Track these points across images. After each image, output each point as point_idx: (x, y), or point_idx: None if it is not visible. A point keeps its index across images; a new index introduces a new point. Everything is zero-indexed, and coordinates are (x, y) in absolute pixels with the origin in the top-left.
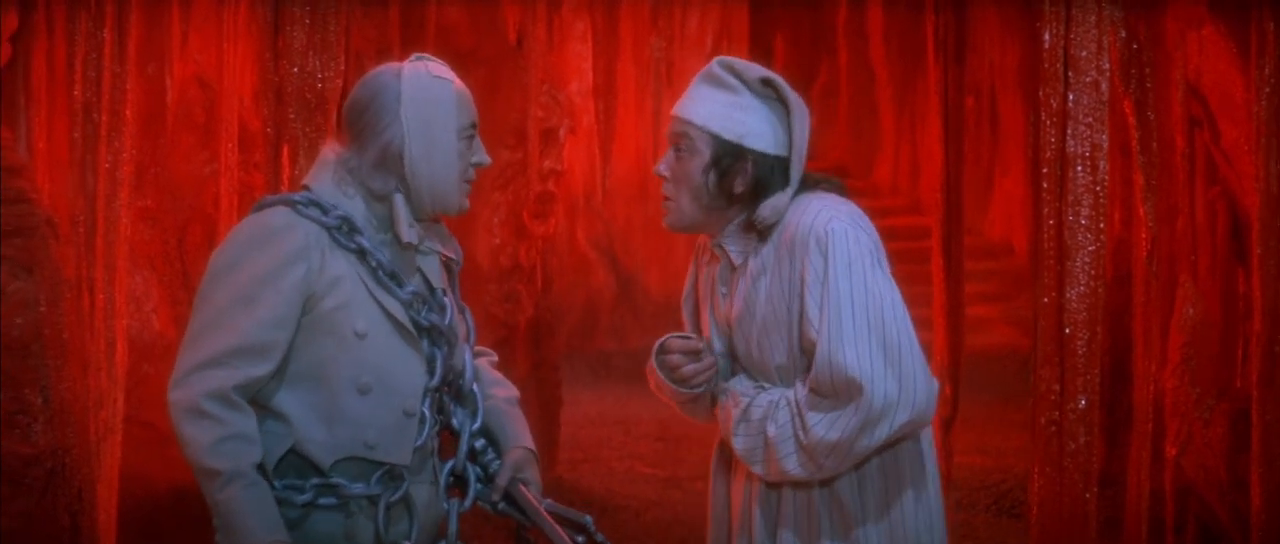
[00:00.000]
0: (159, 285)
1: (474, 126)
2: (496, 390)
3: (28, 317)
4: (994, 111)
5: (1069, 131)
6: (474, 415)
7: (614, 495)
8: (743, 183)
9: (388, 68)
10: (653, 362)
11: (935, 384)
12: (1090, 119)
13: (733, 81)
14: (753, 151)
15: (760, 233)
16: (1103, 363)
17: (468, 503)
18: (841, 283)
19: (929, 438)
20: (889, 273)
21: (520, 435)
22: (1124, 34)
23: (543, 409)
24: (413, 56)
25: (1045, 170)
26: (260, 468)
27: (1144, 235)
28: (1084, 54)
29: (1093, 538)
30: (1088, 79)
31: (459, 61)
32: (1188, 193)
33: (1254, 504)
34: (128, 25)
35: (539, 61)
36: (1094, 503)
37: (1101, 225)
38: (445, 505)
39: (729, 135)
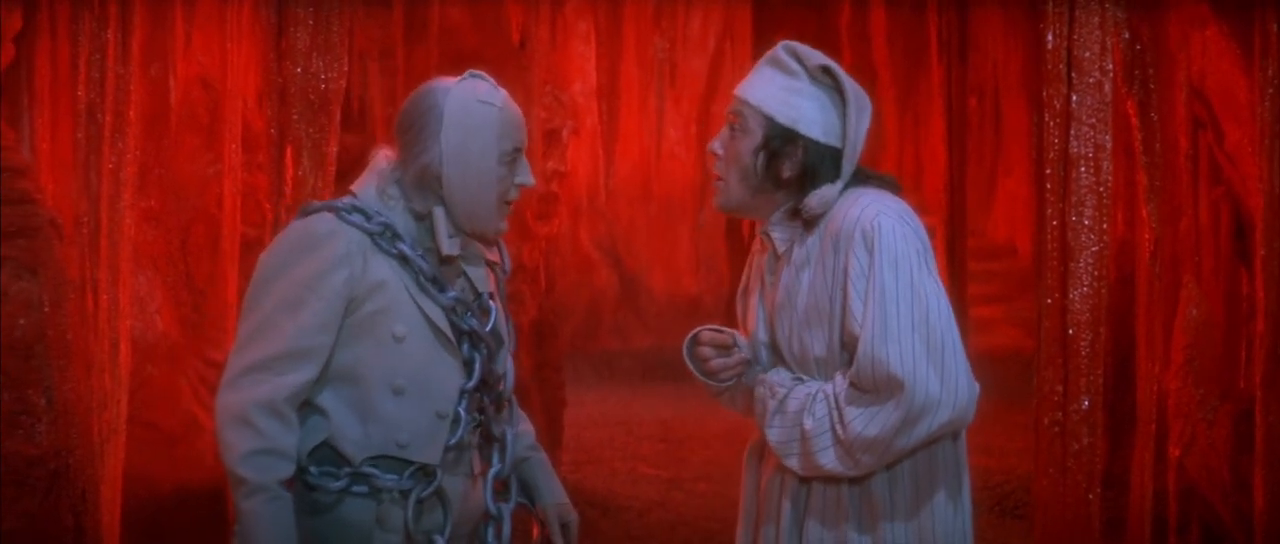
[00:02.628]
0: (163, 286)
1: (518, 151)
2: (523, 425)
3: (31, 317)
4: (997, 112)
5: (1072, 132)
6: (514, 421)
7: (617, 496)
8: (791, 168)
9: (438, 85)
10: (685, 354)
11: (977, 386)
12: (1093, 120)
13: (793, 66)
14: (805, 138)
15: (806, 223)
16: (1106, 364)
17: (512, 505)
18: (887, 279)
19: (964, 441)
20: (936, 272)
21: (559, 491)
22: (1127, 35)
23: (546, 410)
24: (467, 73)
25: (1048, 171)
26: (285, 483)
27: (1147, 236)
28: (1087, 55)
29: (1096, 539)
30: (1091, 80)
31: (462, 62)
32: (1191, 194)
33: (1257, 505)
34: (131, 26)
35: (542, 62)
36: (1097, 504)
37: (1105, 226)
38: (493, 509)
39: (782, 118)
